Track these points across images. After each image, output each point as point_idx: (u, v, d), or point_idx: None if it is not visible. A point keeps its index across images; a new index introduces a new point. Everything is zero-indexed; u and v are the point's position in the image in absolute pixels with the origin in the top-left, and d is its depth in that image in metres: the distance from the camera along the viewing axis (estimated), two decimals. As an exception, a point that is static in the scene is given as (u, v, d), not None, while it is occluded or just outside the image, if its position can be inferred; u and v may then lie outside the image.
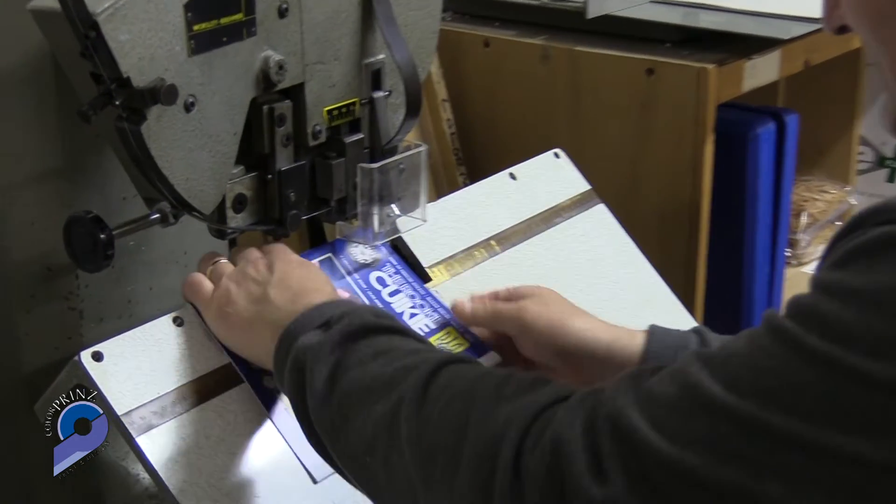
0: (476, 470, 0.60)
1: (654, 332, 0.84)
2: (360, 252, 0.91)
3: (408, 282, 0.91)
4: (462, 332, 0.88)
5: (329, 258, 0.90)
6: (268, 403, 0.80)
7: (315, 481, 0.79)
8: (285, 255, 0.81)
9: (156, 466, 0.74)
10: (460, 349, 0.87)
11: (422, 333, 0.87)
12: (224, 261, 0.82)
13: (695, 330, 0.85)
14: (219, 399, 0.78)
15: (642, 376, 0.58)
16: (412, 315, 0.89)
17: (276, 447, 0.79)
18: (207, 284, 0.80)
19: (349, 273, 0.90)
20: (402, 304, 0.89)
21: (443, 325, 0.89)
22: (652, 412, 0.55)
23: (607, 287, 1.02)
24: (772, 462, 0.52)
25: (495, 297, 0.88)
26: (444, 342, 0.87)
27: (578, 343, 0.83)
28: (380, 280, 0.91)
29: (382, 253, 0.92)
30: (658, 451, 0.54)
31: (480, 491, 0.59)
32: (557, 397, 0.61)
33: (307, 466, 0.79)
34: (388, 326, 0.73)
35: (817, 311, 0.53)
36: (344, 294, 0.84)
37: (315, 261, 0.88)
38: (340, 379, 0.69)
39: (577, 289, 0.99)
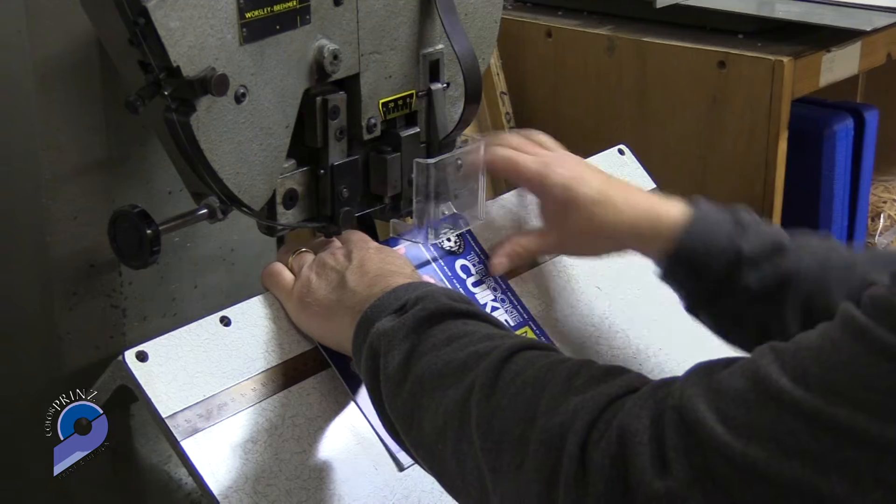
0: (542, 459, 0.60)
1: (697, 219, 0.84)
2: (449, 240, 0.91)
3: (491, 276, 0.92)
4: (539, 334, 0.90)
5: (416, 243, 0.90)
6: (354, 388, 0.79)
7: (402, 467, 0.78)
8: (364, 243, 0.82)
9: (201, 471, 0.73)
10: None
11: None
12: (304, 251, 0.83)
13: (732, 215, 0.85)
14: (266, 402, 0.77)
15: (714, 369, 0.58)
16: (493, 308, 0.90)
17: (324, 453, 0.77)
18: (287, 275, 0.81)
19: (435, 259, 0.90)
20: (484, 296, 0.90)
21: (521, 324, 0.90)
22: (719, 404, 0.55)
23: (670, 291, 0.99)
24: (837, 458, 0.52)
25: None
26: None
27: (618, 231, 0.86)
28: (464, 268, 0.91)
29: (466, 241, 0.93)
30: (722, 443, 0.54)
31: (546, 480, 0.60)
32: (628, 389, 0.61)
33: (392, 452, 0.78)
34: (463, 310, 0.72)
35: (889, 303, 0.52)
36: (428, 279, 0.84)
37: (401, 246, 0.88)
38: (414, 365, 0.69)
39: (637, 292, 0.97)
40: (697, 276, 0.84)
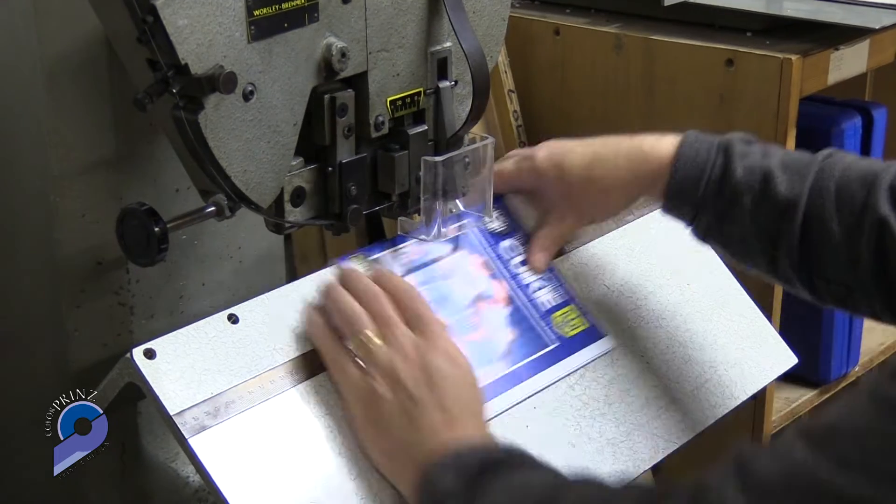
0: None
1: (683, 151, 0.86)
2: (492, 220, 0.93)
3: None
4: (583, 313, 0.92)
5: (464, 224, 0.91)
6: None
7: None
8: (440, 346, 0.77)
9: (208, 469, 0.73)
10: (578, 330, 0.91)
11: (545, 309, 0.91)
12: (378, 344, 0.77)
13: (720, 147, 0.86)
14: (274, 400, 0.77)
15: (746, 459, 0.57)
16: (539, 288, 0.92)
17: (332, 450, 0.77)
18: (352, 369, 0.76)
19: (482, 239, 0.92)
20: (529, 276, 0.92)
21: (565, 303, 0.92)
22: (755, 495, 0.55)
23: (679, 289, 1.00)
24: None
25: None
26: (565, 319, 0.91)
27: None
28: (511, 248, 0.93)
29: (512, 221, 0.95)
30: None
31: None
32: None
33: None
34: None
35: None
36: (477, 260, 0.87)
37: (453, 226, 0.88)
38: None
39: (648, 290, 0.98)
40: (693, 209, 0.86)
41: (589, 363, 0.90)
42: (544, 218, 0.93)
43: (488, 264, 0.91)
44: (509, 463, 0.72)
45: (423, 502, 0.73)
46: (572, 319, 0.91)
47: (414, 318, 0.78)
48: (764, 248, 0.85)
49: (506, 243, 0.93)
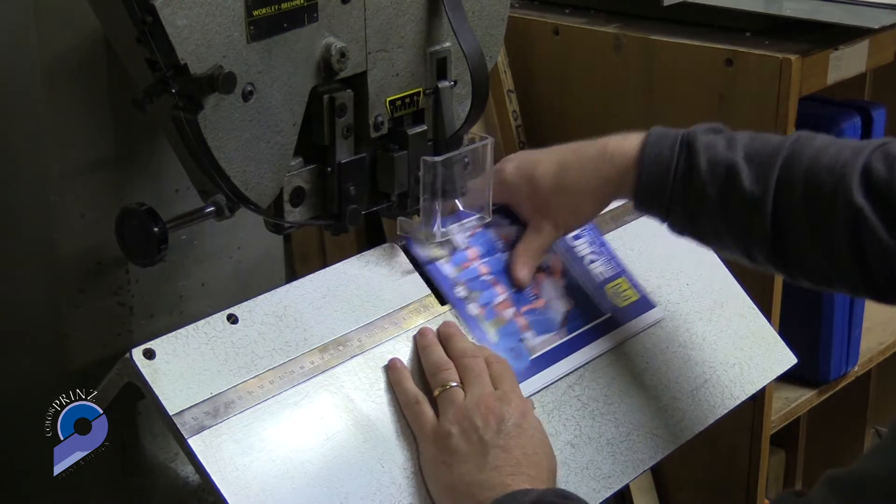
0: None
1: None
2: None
3: (587, 229, 0.97)
4: (633, 285, 0.96)
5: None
6: None
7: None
8: (513, 404, 0.79)
9: (207, 469, 0.73)
10: (629, 301, 0.95)
11: (599, 280, 0.95)
12: (454, 385, 0.80)
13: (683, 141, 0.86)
14: (273, 400, 0.77)
15: None
16: (591, 261, 0.95)
17: (330, 450, 0.77)
18: (429, 413, 0.79)
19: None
20: (583, 250, 0.96)
21: (617, 275, 0.96)
22: None
23: (678, 288, 1.00)
24: None
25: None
26: (617, 290, 0.95)
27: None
28: None
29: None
30: None
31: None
32: None
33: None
34: None
35: None
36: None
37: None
38: None
39: (646, 290, 0.98)
40: (663, 207, 0.86)
41: (639, 333, 0.94)
42: (521, 231, 0.93)
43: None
44: None
45: None
46: (624, 290, 0.95)
47: (498, 377, 0.81)
48: (737, 241, 0.85)
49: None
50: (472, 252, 0.90)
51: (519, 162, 0.92)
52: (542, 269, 0.92)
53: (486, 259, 0.91)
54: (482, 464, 0.76)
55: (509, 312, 0.89)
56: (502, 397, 0.79)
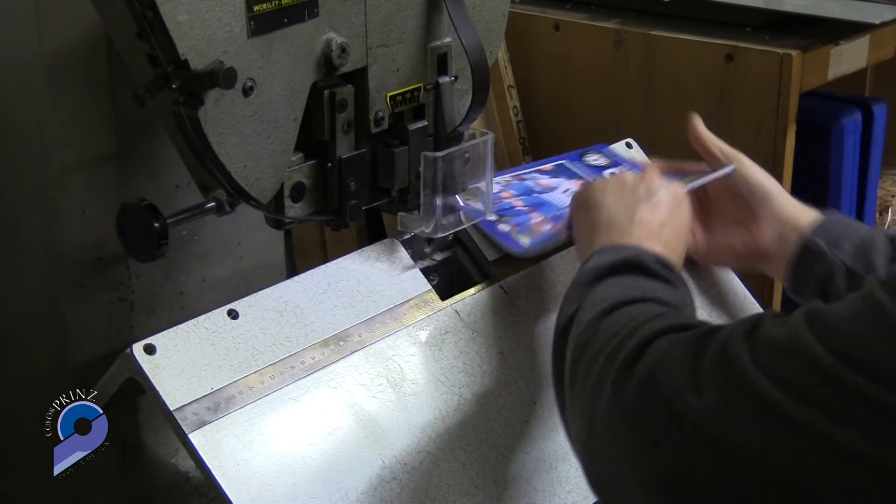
0: (605, 362, 0.68)
1: (832, 212, 0.90)
2: (594, 159, 0.98)
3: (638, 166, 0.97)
4: None
5: (564, 163, 0.97)
6: None
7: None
8: (670, 192, 0.85)
9: (208, 464, 0.73)
10: None
11: None
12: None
13: (873, 226, 0.91)
14: (274, 395, 0.77)
15: (763, 318, 0.64)
16: None
17: (331, 446, 0.77)
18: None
19: (581, 171, 0.96)
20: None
21: None
22: (757, 349, 0.61)
23: None
24: (849, 414, 0.57)
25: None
26: None
27: (776, 199, 0.91)
28: (615, 172, 0.96)
29: (615, 158, 0.99)
30: (752, 382, 0.60)
31: (602, 373, 0.67)
32: (699, 324, 0.68)
33: None
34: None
35: None
36: (578, 182, 0.93)
37: (551, 164, 0.93)
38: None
39: None
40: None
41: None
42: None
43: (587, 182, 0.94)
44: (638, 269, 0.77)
45: (583, 271, 0.78)
46: None
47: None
48: None
49: (609, 171, 0.96)
50: (507, 193, 0.91)
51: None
52: None
53: (523, 196, 0.91)
54: (630, 212, 0.81)
55: (547, 227, 0.90)
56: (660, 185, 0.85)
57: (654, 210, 0.81)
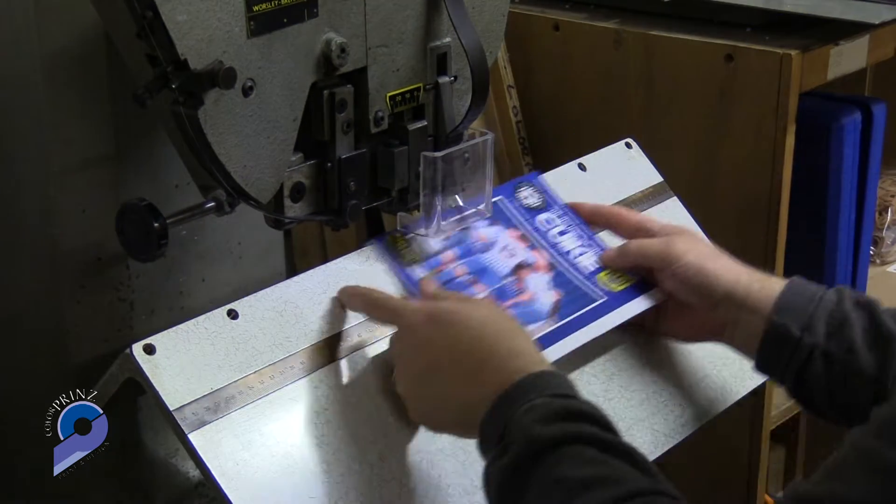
0: None
1: (792, 284, 0.85)
2: (526, 196, 0.95)
3: (575, 223, 0.96)
4: (627, 272, 0.93)
5: (500, 200, 0.93)
6: None
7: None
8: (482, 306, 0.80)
9: (208, 464, 0.72)
10: (626, 285, 0.92)
11: (589, 271, 0.92)
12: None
13: (836, 289, 0.85)
14: (274, 395, 0.77)
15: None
16: (580, 253, 0.94)
17: (331, 445, 0.77)
18: (413, 305, 0.78)
19: (517, 216, 0.94)
20: (570, 243, 0.94)
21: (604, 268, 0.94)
22: None
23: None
24: None
25: (644, 230, 0.93)
26: (611, 277, 0.92)
27: (719, 283, 0.86)
28: (548, 221, 0.95)
29: (548, 196, 0.97)
30: None
31: None
32: None
33: None
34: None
35: None
36: (514, 233, 0.90)
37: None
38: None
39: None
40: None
41: (638, 313, 0.90)
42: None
43: (525, 237, 0.92)
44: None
45: (505, 406, 0.70)
46: (618, 277, 0.92)
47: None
48: None
49: (542, 217, 0.94)
50: (448, 255, 0.88)
51: (694, 240, 0.91)
52: (525, 266, 0.90)
53: (464, 260, 0.88)
54: (498, 327, 0.74)
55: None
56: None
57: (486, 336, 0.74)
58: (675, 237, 0.90)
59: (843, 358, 0.81)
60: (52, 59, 0.77)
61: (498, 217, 0.92)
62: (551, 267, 0.91)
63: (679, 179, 1.07)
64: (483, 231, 0.91)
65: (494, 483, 0.70)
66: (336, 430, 0.77)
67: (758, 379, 1.00)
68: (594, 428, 0.69)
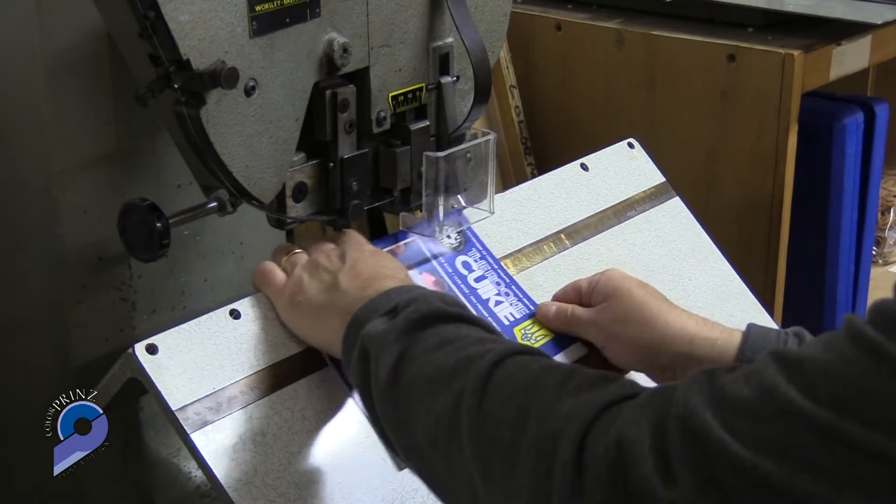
0: (534, 466, 0.59)
1: (751, 332, 0.81)
2: (447, 237, 0.91)
3: (493, 268, 0.91)
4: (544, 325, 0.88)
5: (415, 241, 0.89)
6: (351, 387, 0.78)
7: (400, 468, 0.78)
8: (359, 245, 0.81)
9: (210, 464, 0.73)
10: (545, 340, 0.87)
11: (507, 322, 0.87)
12: (298, 251, 0.81)
13: (795, 332, 0.82)
14: (276, 395, 0.77)
15: (716, 375, 0.56)
16: (497, 303, 0.88)
17: (333, 445, 0.77)
18: (280, 274, 0.80)
19: (435, 257, 0.89)
20: (487, 291, 0.89)
21: (528, 315, 0.89)
22: (725, 414, 0.53)
23: (681, 285, 1.00)
24: (851, 473, 0.50)
25: (578, 291, 0.87)
26: (528, 332, 0.87)
27: (663, 342, 0.82)
28: (465, 265, 0.90)
29: (467, 237, 0.92)
30: (731, 454, 0.52)
31: (538, 488, 0.58)
32: (623, 395, 0.59)
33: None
34: (455, 314, 0.71)
35: None
36: (428, 279, 0.84)
37: (401, 243, 0.88)
38: (404, 369, 0.68)
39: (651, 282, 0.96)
40: None
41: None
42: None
43: (440, 283, 0.87)
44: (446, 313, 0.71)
45: (353, 345, 0.72)
46: (536, 331, 0.87)
47: (339, 242, 0.81)
48: None
49: (461, 259, 0.89)
50: None
51: (626, 307, 0.84)
52: None
53: None
54: (336, 286, 0.76)
55: None
56: (343, 244, 0.80)
57: (359, 267, 0.76)
58: (603, 311, 0.84)
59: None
60: (55, 60, 0.77)
61: (414, 258, 0.87)
62: None
63: (681, 179, 1.07)
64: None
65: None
66: (338, 431, 0.77)
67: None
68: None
